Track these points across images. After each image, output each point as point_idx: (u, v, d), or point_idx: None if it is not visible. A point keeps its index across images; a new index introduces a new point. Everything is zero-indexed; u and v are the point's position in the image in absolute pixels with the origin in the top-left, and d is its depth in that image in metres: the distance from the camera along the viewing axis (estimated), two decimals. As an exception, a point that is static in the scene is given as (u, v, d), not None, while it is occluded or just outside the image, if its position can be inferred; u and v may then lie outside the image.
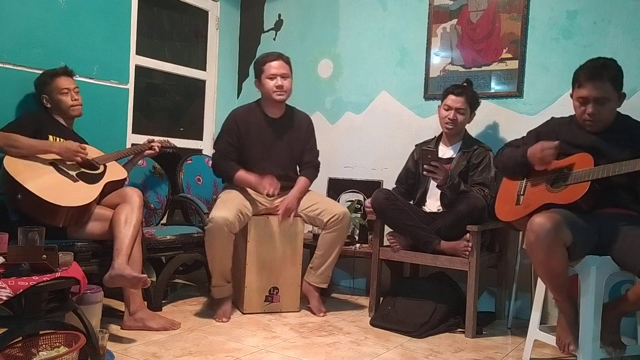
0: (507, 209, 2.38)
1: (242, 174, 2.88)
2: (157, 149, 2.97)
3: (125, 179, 2.73)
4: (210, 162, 3.08)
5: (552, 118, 2.44)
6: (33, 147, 2.42)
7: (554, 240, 1.99)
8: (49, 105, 2.67)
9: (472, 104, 2.89)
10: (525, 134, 2.49)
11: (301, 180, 2.99)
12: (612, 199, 2.15)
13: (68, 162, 2.51)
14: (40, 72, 2.75)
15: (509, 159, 2.42)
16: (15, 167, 2.34)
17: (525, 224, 2.29)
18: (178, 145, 3.22)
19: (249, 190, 2.90)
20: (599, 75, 2.14)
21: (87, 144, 2.68)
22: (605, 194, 2.13)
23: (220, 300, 2.81)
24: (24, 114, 2.58)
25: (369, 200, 2.93)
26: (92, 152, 2.66)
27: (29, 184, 2.29)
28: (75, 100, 2.68)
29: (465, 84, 2.97)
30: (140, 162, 3.03)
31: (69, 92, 2.67)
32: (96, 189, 2.52)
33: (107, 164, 2.67)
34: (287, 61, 2.95)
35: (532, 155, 2.27)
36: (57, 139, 2.57)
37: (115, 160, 2.74)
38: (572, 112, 2.32)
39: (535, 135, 2.41)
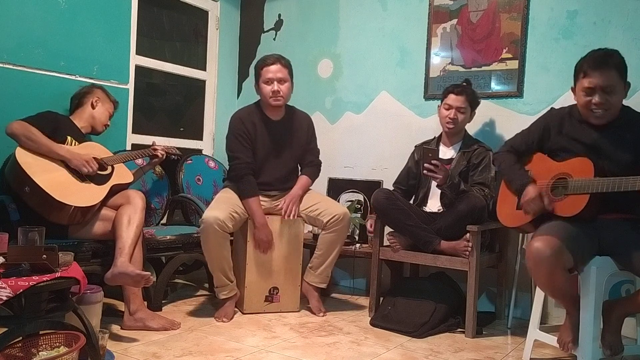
0: (508, 212, 2.37)
1: (253, 203, 2.80)
2: (161, 155, 2.98)
3: (130, 183, 2.76)
4: (230, 172, 2.96)
5: (552, 109, 2.39)
6: (48, 147, 2.43)
7: (555, 265, 1.98)
8: (95, 107, 2.79)
9: (472, 103, 2.89)
10: (524, 129, 2.42)
11: (302, 179, 2.99)
12: (612, 205, 2.12)
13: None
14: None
15: (508, 176, 2.37)
16: (27, 159, 2.35)
17: (528, 228, 2.29)
18: (178, 145, 3.22)
19: None
20: (605, 63, 2.09)
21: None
22: (606, 200, 2.09)
23: (224, 300, 2.81)
24: (46, 111, 2.61)
25: (370, 220, 2.97)
26: (101, 152, 2.68)
27: (38, 178, 2.30)
28: (108, 123, 2.89)
29: (465, 83, 2.97)
30: (140, 161, 3.04)
31: (111, 117, 2.90)
32: (103, 190, 2.53)
33: (115, 166, 2.69)
34: (285, 64, 2.90)
35: (524, 194, 2.23)
36: (73, 141, 2.61)
37: (123, 163, 2.76)
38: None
39: (535, 130, 2.35)
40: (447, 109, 2.88)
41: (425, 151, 2.71)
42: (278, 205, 2.93)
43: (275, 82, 2.85)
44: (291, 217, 2.86)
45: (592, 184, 2.06)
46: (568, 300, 2.12)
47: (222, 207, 2.74)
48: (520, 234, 2.87)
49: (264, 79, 2.87)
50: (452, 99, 2.86)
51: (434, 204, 2.91)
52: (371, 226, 2.96)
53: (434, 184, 2.86)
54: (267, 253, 2.86)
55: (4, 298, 1.60)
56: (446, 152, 2.96)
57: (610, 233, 2.08)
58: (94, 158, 2.56)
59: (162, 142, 3.12)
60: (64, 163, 2.47)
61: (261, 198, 2.89)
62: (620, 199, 2.08)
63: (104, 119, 2.83)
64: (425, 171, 2.71)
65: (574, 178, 2.14)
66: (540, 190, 2.20)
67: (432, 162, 2.67)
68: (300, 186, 2.94)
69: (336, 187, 3.59)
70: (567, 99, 2.88)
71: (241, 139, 2.88)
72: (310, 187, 3.06)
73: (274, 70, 2.86)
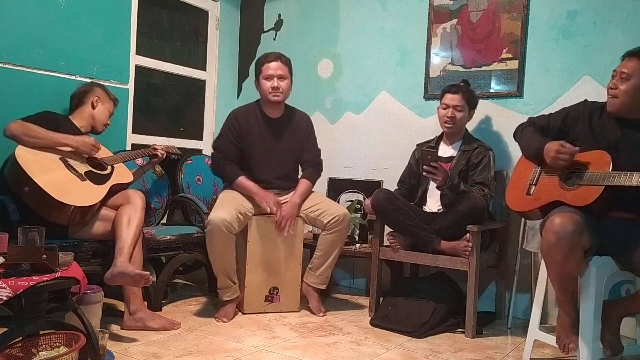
0: (517, 197, 2.36)
1: (243, 180, 2.86)
2: (161, 155, 2.98)
3: (130, 182, 2.76)
4: (210, 161, 3.06)
5: (585, 101, 2.37)
6: (51, 138, 2.44)
7: (575, 242, 1.96)
8: (96, 106, 2.78)
9: (470, 102, 2.89)
10: (553, 112, 2.43)
11: (302, 184, 2.97)
12: (619, 203, 2.11)
13: (77, 161, 2.52)
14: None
15: (526, 142, 2.38)
16: (26, 159, 2.34)
17: (535, 215, 2.27)
18: (178, 145, 3.22)
19: None
20: (636, 55, 2.14)
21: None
22: (618, 197, 2.09)
23: (226, 302, 2.81)
24: (44, 111, 2.61)
25: (369, 200, 2.92)
26: (101, 152, 2.68)
27: (37, 178, 2.30)
28: (109, 122, 2.87)
29: (461, 83, 2.97)
30: (140, 161, 3.04)
31: (111, 115, 2.88)
32: (103, 190, 2.53)
33: (114, 165, 2.69)
34: (286, 62, 2.93)
35: (546, 153, 2.23)
36: None
37: (122, 162, 2.76)
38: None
39: (564, 116, 2.35)
40: (445, 109, 2.89)
41: (424, 153, 2.71)
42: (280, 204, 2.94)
43: (275, 79, 2.88)
44: (284, 234, 2.86)
45: (607, 177, 2.06)
46: (570, 296, 2.11)
47: (228, 207, 2.74)
48: (520, 234, 2.87)
49: (264, 75, 2.90)
50: (448, 98, 2.87)
51: (433, 203, 2.91)
52: (370, 202, 2.90)
53: (432, 183, 2.86)
54: (276, 214, 2.82)
55: (4, 298, 1.60)
56: (446, 151, 2.96)
57: (613, 232, 2.08)
58: (94, 157, 2.57)
59: (162, 142, 3.12)
60: (63, 162, 2.47)
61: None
62: (632, 198, 2.07)
63: (104, 118, 2.82)
64: (424, 173, 2.71)
65: (590, 170, 2.13)
66: (559, 143, 2.19)
67: (431, 163, 2.66)
68: (299, 194, 2.92)
69: (336, 187, 3.59)
70: (567, 99, 2.89)
71: (230, 135, 2.93)
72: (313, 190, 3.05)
73: (274, 67, 2.89)
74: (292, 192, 2.96)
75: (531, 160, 2.37)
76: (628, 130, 2.16)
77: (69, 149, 2.50)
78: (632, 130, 2.15)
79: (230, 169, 2.90)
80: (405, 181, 3.06)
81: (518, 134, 2.48)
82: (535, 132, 2.37)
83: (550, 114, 2.42)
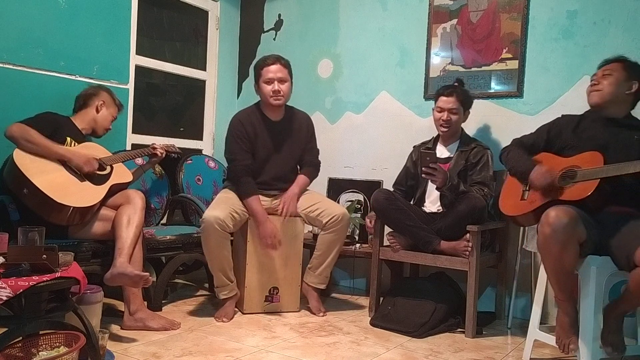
0: (512, 202, 2.37)
1: (254, 203, 2.81)
2: (161, 154, 2.98)
3: (130, 182, 2.75)
4: (228, 174, 2.99)
5: (563, 115, 2.44)
6: (48, 148, 2.43)
7: (570, 234, 1.98)
8: (100, 111, 2.77)
9: (465, 103, 2.89)
10: (534, 130, 2.48)
11: (300, 178, 2.99)
12: (615, 198, 2.13)
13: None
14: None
15: (514, 164, 2.41)
16: (24, 161, 2.35)
17: (530, 220, 2.29)
18: (178, 145, 3.22)
19: None
20: (617, 59, 2.30)
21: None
22: (615, 193, 2.11)
23: (225, 300, 2.81)
24: (45, 112, 2.60)
25: (369, 219, 2.94)
26: (100, 152, 2.68)
27: (36, 180, 2.30)
28: (110, 127, 2.86)
29: (455, 84, 2.96)
30: (139, 161, 3.04)
31: (114, 120, 2.87)
32: (102, 190, 2.53)
33: (113, 165, 2.69)
34: (285, 64, 2.91)
35: (533, 178, 2.27)
36: (73, 142, 2.61)
37: (122, 162, 2.76)
38: (575, 113, 2.38)
39: (548, 129, 2.42)
40: (439, 112, 2.89)
41: (423, 154, 2.70)
42: (278, 204, 2.93)
43: (276, 82, 2.86)
44: (288, 215, 2.87)
45: (601, 171, 2.09)
46: (569, 295, 2.11)
47: (222, 207, 2.74)
48: (520, 234, 2.87)
49: (265, 79, 2.88)
50: (442, 101, 2.87)
51: (432, 204, 2.91)
52: (371, 222, 2.94)
53: (430, 184, 2.85)
54: (276, 249, 2.84)
55: (4, 298, 1.60)
56: (443, 152, 2.96)
57: (610, 227, 2.08)
58: (94, 158, 2.57)
59: (162, 142, 3.11)
60: (63, 163, 2.47)
61: (261, 198, 2.89)
62: (626, 193, 2.09)
63: (106, 123, 2.82)
64: (423, 174, 2.71)
65: (583, 168, 2.16)
66: (545, 169, 2.24)
67: (430, 164, 2.66)
68: (297, 185, 2.95)
69: (336, 187, 3.59)
70: (567, 99, 2.89)
71: (240, 141, 2.89)
72: (309, 188, 3.06)
73: (274, 70, 2.87)
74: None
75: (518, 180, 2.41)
76: (614, 129, 2.22)
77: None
78: (618, 130, 2.22)
79: (245, 185, 2.84)
80: (401, 183, 3.06)
81: (505, 155, 2.52)
82: (521, 154, 2.41)
83: (534, 132, 2.48)
